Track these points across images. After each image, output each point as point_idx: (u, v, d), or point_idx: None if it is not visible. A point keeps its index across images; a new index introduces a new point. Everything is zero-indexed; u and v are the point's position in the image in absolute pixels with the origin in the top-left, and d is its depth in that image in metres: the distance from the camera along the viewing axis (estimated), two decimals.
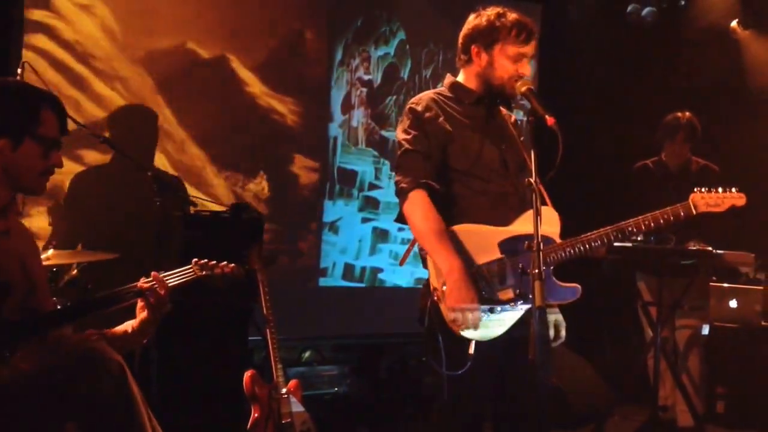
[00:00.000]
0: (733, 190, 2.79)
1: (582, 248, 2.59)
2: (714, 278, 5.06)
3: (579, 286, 2.56)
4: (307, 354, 4.81)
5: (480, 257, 2.52)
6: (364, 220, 5.32)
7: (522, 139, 2.74)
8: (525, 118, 2.63)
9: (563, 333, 2.66)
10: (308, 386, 4.28)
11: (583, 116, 5.84)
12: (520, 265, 2.51)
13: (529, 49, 2.62)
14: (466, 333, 2.46)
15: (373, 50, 5.41)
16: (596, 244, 2.60)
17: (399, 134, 2.67)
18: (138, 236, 3.57)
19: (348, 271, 5.30)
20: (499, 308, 2.50)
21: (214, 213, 3.80)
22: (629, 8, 6.04)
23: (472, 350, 2.46)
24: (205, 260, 2.49)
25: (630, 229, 2.64)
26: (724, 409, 5.04)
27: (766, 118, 5.85)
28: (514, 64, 2.61)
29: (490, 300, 2.49)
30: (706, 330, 4.94)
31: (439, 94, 2.72)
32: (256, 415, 3.40)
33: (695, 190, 2.75)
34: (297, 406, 3.47)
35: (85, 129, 3.17)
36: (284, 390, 3.45)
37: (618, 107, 5.97)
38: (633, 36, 6.07)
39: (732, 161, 5.26)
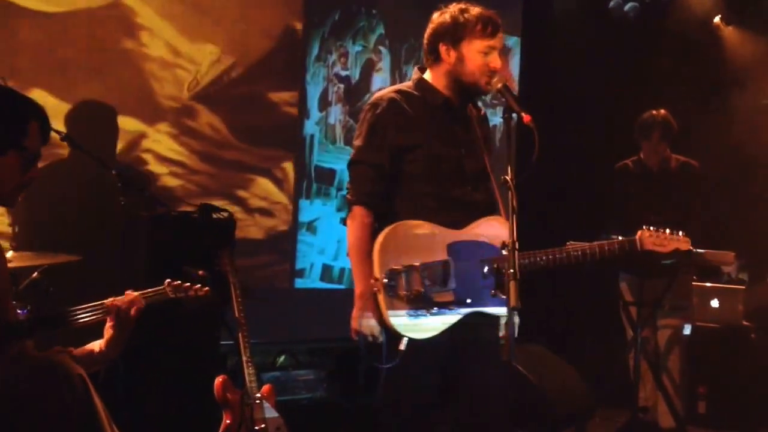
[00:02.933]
0: (680, 234, 2.84)
1: (528, 263, 2.56)
2: (695, 278, 5.04)
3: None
4: (282, 358, 4.74)
5: (424, 256, 2.51)
6: (343, 221, 5.24)
7: (487, 139, 2.74)
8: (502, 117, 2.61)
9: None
10: (284, 391, 4.20)
11: (565, 113, 5.81)
12: (495, 265, 2.51)
13: (497, 41, 2.62)
14: (398, 328, 2.46)
15: (350, 45, 5.32)
16: (542, 261, 2.59)
17: (354, 138, 2.70)
18: (102, 237, 3.48)
19: (326, 272, 5.22)
20: (435, 309, 2.49)
21: (182, 213, 3.72)
22: (611, 3, 6.01)
23: (402, 346, 2.47)
24: (179, 282, 2.45)
25: (576, 254, 2.63)
26: (706, 410, 5.03)
27: (748, 114, 5.84)
28: (485, 58, 2.60)
29: (427, 300, 2.48)
30: (687, 330, 4.92)
31: (402, 92, 2.69)
32: (227, 421, 3.33)
33: (643, 227, 2.78)
34: (270, 412, 3.40)
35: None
36: (257, 395, 3.37)
37: (600, 104, 5.95)
38: (615, 31, 6.04)
39: (714, 158, 5.25)
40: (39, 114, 2.28)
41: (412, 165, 2.61)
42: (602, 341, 5.20)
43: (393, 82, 5.36)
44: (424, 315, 2.48)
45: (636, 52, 6.01)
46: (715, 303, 5.16)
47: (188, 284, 2.46)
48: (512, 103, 2.40)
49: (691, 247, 2.87)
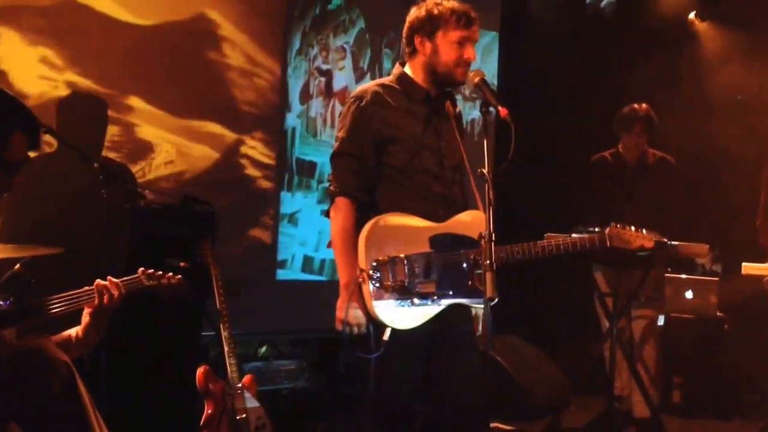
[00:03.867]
0: (644, 231, 2.96)
1: (504, 256, 2.62)
2: (670, 269, 5.11)
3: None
4: (263, 349, 4.76)
5: (408, 248, 2.55)
6: (326, 212, 5.26)
7: (463, 133, 2.79)
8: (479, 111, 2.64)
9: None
10: (265, 381, 4.23)
11: (542, 108, 5.86)
12: (472, 257, 2.55)
13: (472, 32, 2.68)
14: (383, 318, 2.50)
15: (331, 39, 5.34)
16: (518, 256, 2.65)
17: (337, 130, 2.73)
18: (85, 229, 3.48)
19: (307, 263, 5.24)
20: (418, 300, 2.53)
21: (164, 205, 3.72)
22: (588, 0, 6.06)
23: (386, 337, 2.51)
24: (152, 270, 2.48)
25: (550, 248, 2.70)
26: (680, 399, 5.11)
27: (722, 109, 5.92)
28: (459, 49, 2.66)
29: (410, 291, 2.52)
30: (661, 321, 4.99)
31: (384, 86, 2.74)
32: (209, 411, 3.35)
33: (611, 224, 2.89)
34: (252, 402, 3.43)
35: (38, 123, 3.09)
36: (239, 385, 3.40)
37: (577, 99, 6.01)
38: (592, 27, 6.10)
39: (689, 153, 5.33)
40: (25, 123, 2.23)
41: (394, 157, 2.65)
42: (578, 332, 5.26)
43: (358, 79, 5.39)
44: (408, 306, 2.52)
45: (612, 47, 6.07)
46: (689, 294, 5.24)
47: (161, 272, 2.48)
48: (489, 97, 2.45)
49: (653, 245, 2.97)
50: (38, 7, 4.02)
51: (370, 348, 2.53)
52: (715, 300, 5.20)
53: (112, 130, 4.28)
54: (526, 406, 4.62)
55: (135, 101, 4.34)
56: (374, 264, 2.50)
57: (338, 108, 5.29)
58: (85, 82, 4.16)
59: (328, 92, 5.31)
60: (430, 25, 2.67)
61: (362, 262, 2.52)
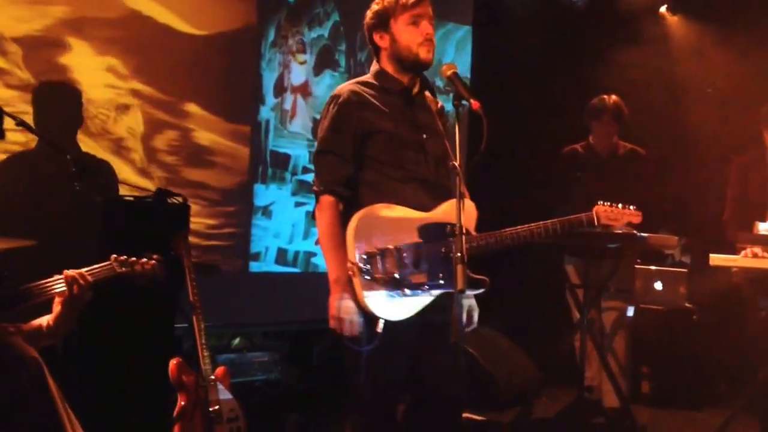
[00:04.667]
0: (632, 207, 2.96)
1: (495, 242, 2.65)
2: (639, 261, 5.17)
3: (487, 279, 2.60)
4: (236, 341, 4.76)
5: (397, 239, 2.56)
6: (298, 204, 5.28)
7: (445, 126, 2.80)
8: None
9: (476, 318, 2.75)
10: (238, 373, 4.24)
11: (516, 101, 5.89)
12: (443, 249, 2.56)
13: (422, 8, 2.72)
14: (375, 311, 2.50)
15: (306, 32, 5.33)
16: (508, 241, 2.67)
17: (319, 131, 2.75)
18: (58, 222, 3.46)
19: (281, 255, 5.25)
20: (409, 291, 2.54)
21: (137, 198, 3.71)
22: None
23: (380, 328, 2.51)
24: (125, 256, 2.46)
25: (539, 231, 2.74)
26: (649, 389, 5.18)
27: (692, 102, 5.99)
28: (415, 29, 2.70)
29: (402, 282, 2.53)
30: (631, 312, 5.04)
31: (362, 83, 2.77)
32: (182, 403, 3.36)
33: (599, 203, 2.91)
34: (224, 394, 3.44)
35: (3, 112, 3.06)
36: (212, 377, 3.41)
37: (550, 92, 6.04)
38: (565, 20, 6.13)
39: (659, 145, 5.39)
40: None
41: (376, 150, 2.66)
42: (549, 323, 5.31)
43: (318, 74, 5.40)
44: (399, 297, 2.52)
45: (584, 40, 6.12)
46: (658, 285, 5.31)
47: (134, 258, 2.47)
48: (461, 90, 2.46)
49: (641, 219, 2.99)
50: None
51: (362, 340, 2.53)
52: (684, 291, 5.27)
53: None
54: (497, 396, 4.67)
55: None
56: (364, 256, 2.50)
57: (300, 102, 5.30)
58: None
59: (288, 87, 5.29)
60: (381, 19, 2.73)
61: (351, 254, 2.52)
